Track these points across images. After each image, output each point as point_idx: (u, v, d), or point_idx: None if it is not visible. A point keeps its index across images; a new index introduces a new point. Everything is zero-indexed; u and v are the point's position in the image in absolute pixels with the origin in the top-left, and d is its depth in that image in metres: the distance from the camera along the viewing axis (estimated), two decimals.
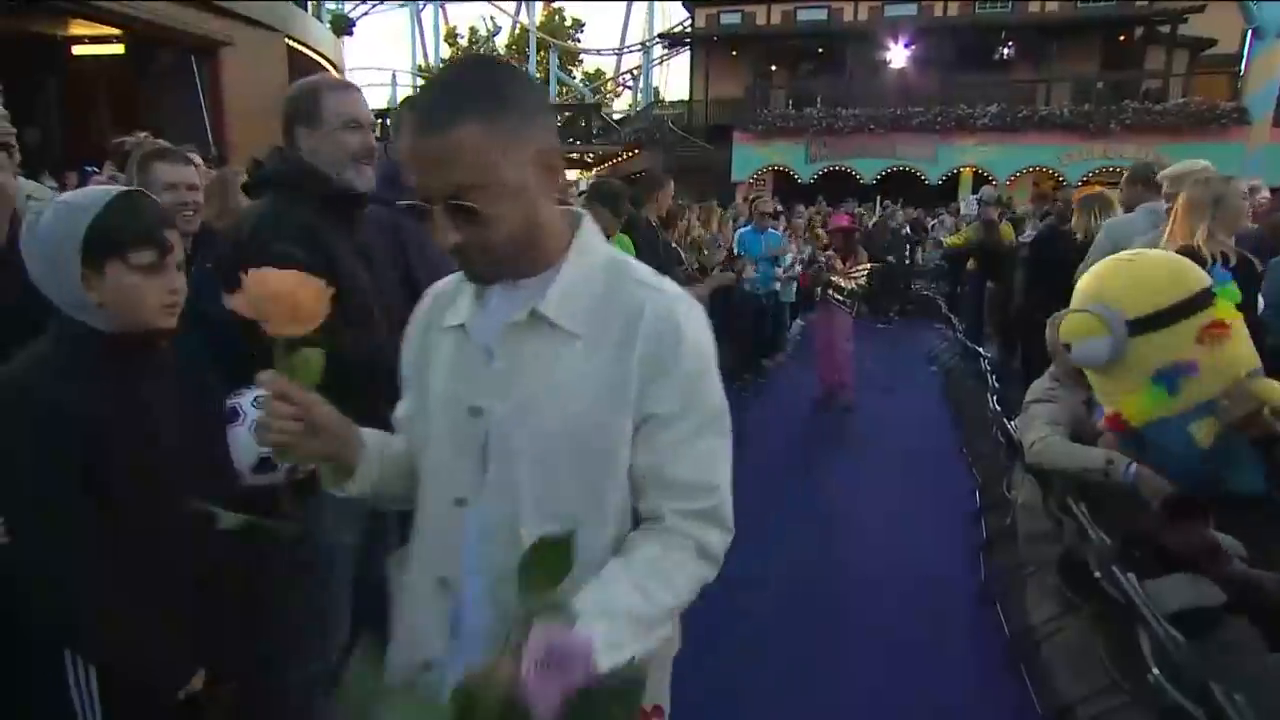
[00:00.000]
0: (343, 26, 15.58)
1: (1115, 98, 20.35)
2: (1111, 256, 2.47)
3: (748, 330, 7.51)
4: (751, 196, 7.19)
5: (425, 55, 33.97)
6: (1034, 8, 21.87)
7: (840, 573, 3.63)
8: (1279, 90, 18.95)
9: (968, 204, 17.76)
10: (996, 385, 3.86)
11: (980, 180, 20.69)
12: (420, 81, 34.41)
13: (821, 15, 23.79)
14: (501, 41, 41.40)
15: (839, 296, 6.06)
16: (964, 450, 5.25)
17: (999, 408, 3.37)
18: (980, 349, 5.70)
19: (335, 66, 14.24)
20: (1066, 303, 2.44)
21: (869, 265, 6.10)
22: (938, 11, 22.79)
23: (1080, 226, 4.37)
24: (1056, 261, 4.69)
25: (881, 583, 3.53)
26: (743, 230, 7.05)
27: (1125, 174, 3.42)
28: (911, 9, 22.83)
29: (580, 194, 5.86)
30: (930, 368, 8.35)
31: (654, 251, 4.44)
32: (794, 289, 8.15)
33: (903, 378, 8.04)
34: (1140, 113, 18.84)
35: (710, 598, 1.03)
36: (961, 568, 3.65)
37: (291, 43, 12.42)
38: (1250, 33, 18.51)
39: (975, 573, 3.55)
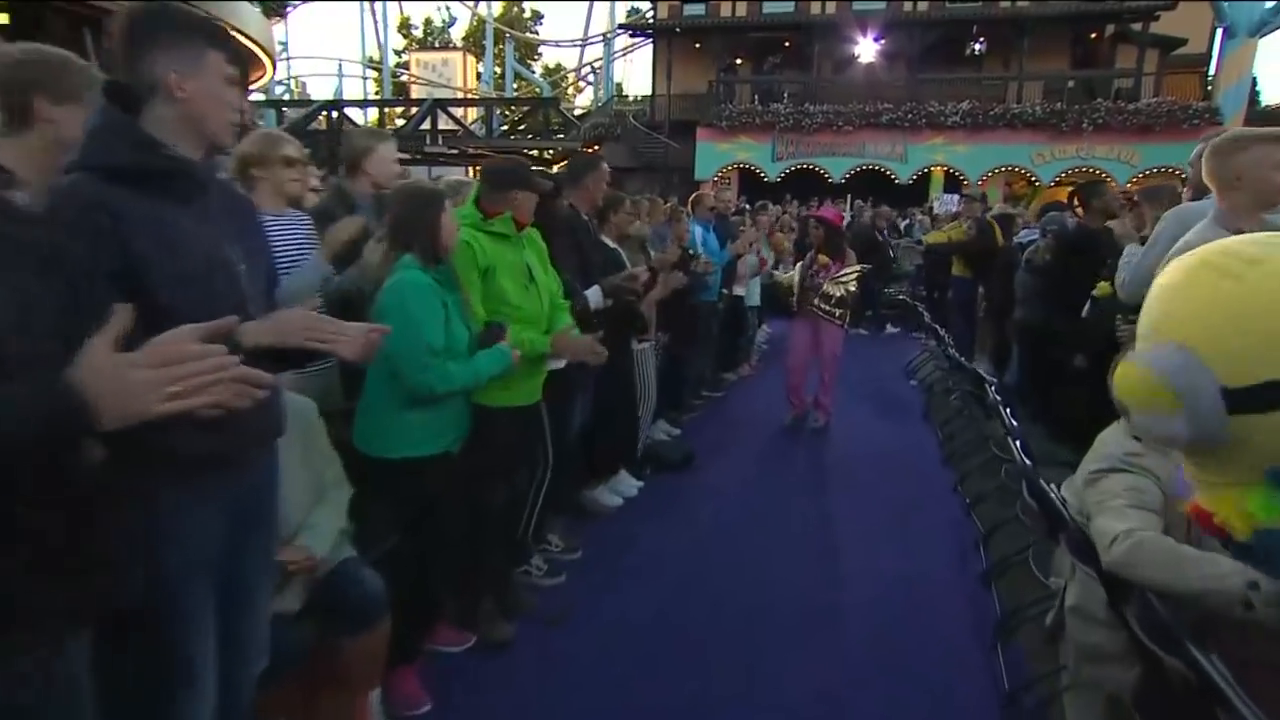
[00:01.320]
0: (273, 6, 14.44)
1: (1086, 96, 20.05)
2: (1196, 257, 1.50)
3: (709, 339, 6.67)
4: (694, 197, 6.29)
5: (380, 46, 32.64)
6: (1004, 3, 21.47)
7: (813, 666, 2.77)
8: (1249, 90, 18.82)
9: (941, 203, 17.29)
10: (1013, 423, 3.03)
11: (951, 180, 20.27)
12: (370, 73, 33.08)
13: (788, 8, 23.13)
14: (457, 33, 40.30)
15: (826, 306, 5.26)
16: (959, 490, 4.44)
17: (1026, 459, 2.52)
18: (977, 368, 4.90)
19: (263, 49, 13.05)
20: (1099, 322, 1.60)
21: (859, 267, 5.28)
22: (907, 6, 22.26)
23: (1134, 227, 3.58)
24: (1087, 271, 3.92)
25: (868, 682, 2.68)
26: (697, 230, 6.20)
27: (1197, 150, 2.66)
28: (880, 4, 22.28)
29: None
30: (910, 382, 7.59)
31: (577, 250, 3.55)
32: (757, 291, 7.33)
33: (880, 393, 7.26)
34: (1113, 112, 18.52)
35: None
36: (969, 660, 2.82)
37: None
38: (1220, 31, 18.28)
39: (991, 673, 2.72)
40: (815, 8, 22.84)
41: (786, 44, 22.06)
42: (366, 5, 31.75)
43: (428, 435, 2.40)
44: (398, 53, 37.67)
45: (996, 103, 19.91)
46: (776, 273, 6.10)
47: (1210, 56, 21.16)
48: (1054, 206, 5.42)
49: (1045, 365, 4.62)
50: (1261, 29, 17.50)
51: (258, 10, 15.52)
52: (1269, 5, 17.32)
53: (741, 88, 22.68)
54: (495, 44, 31.56)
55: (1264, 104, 20.61)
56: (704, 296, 6.07)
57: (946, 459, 5.01)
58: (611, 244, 4.05)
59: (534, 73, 37.03)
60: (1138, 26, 19.78)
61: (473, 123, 24.98)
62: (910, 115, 19.82)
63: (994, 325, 6.02)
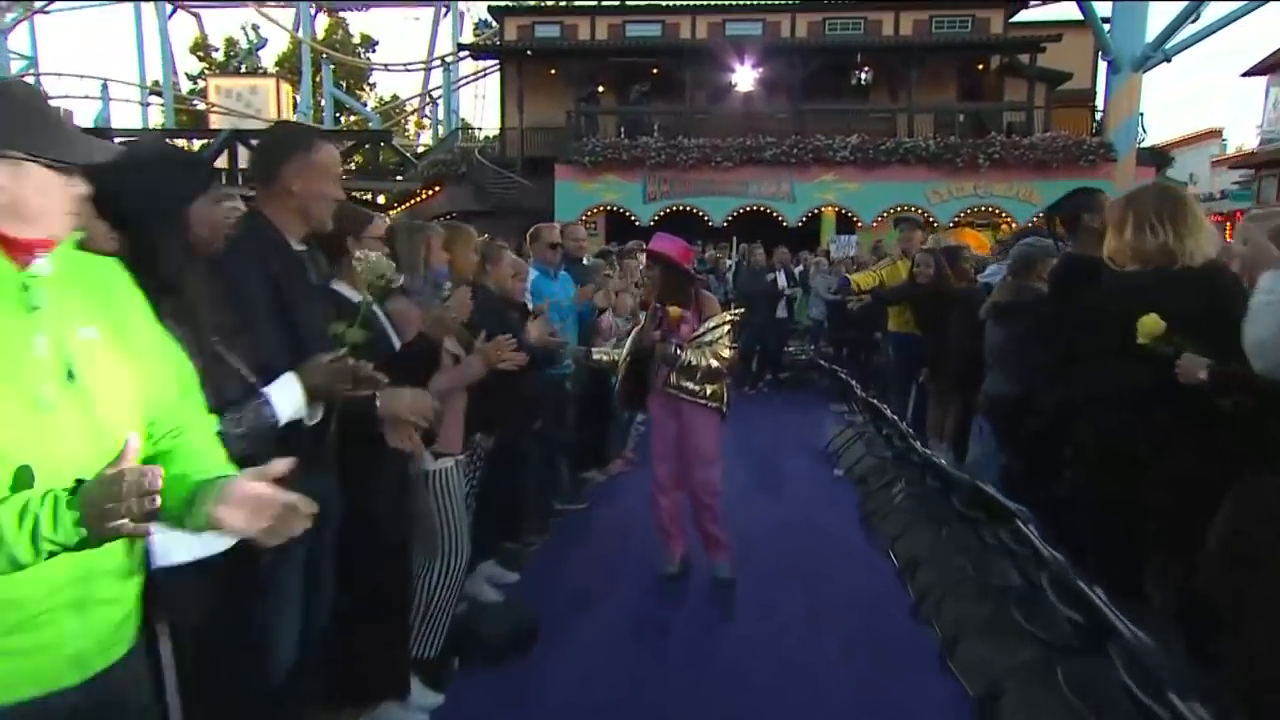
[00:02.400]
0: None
1: (976, 130, 20.75)
2: None
3: (561, 429, 5.24)
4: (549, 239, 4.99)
5: (174, 68, 30.01)
6: (887, 30, 22.13)
7: None
8: (1138, 126, 20.02)
9: (838, 245, 16.96)
10: (1054, 555, 1.77)
11: (844, 221, 20.26)
12: (153, 99, 30.31)
13: (654, 30, 22.91)
14: (270, 57, 38.04)
15: (690, 385, 3.91)
16: (944, 658, 3.15)
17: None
18: (939, 458, 3.71)
19: None
20: None
21: (728, 317, 3.94)
22: (784, 30, 22.57)
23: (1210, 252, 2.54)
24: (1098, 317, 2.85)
25: None
26: (533, 275, 4.86)
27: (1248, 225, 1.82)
28: (755, 27, 22.48)
29: None
30: (834, 470, 6.43)
31: (272, 300, 2.07)
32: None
33: (794, 489, 6.03)
34: (1008, 147, 19.10)
35: None
36: None
37: None
38: (1105, 66, 19.39)
39: None
40: (685, 30, 22.75)
41: (655, 70, 21.70)
42: (146, 16, 29.07)
43: None
44: (191, 77, 34.94)
45: (887, 136, 20.21)
46: (602, 350, 4.71)
47: (1095, 91, 22.62)
48: (1032, 233, 4.47)
49: (1043, 453, 3.51)
50: (1144, 64, 18.68)
51: None
52: (1150, 40, 18.56)
53: (605, 119, 22.09)
54: (315, 70, 29.76)
55: (1146, 141, 22.05)
56: (552, 371, 4.65)
57: (917, 604, 3.72)
58: (351, 293, 2.55)
59: (365, 105, 35.30)
60: (1025, 59, 20.74)
61: None
62: (796, 150, 19.75)
63: (953, 396, 4.94)
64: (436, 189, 22.75)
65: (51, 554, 1.16)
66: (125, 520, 1.12)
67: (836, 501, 5.64)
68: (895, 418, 4.81)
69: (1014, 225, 18.95)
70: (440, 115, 30.61)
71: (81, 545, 1.16)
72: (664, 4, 23.63)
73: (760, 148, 19.72)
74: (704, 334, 3.88)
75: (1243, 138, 25.71)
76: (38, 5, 26.58)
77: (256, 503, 1.30)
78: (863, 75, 20.74)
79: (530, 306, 4.65)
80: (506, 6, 24.40)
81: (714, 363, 3.85)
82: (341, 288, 2.54)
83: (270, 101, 30.01)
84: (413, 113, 35.50)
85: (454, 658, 3.21)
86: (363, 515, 2.42)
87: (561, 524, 5.16)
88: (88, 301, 1.33)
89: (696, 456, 3.99)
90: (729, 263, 12.91)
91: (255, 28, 34.30)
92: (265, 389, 1.83)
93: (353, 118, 34.37)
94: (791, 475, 6.42)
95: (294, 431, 1.89)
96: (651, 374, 4.04)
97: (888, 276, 6.14)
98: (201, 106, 28.67)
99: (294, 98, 30.36)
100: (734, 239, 17.55)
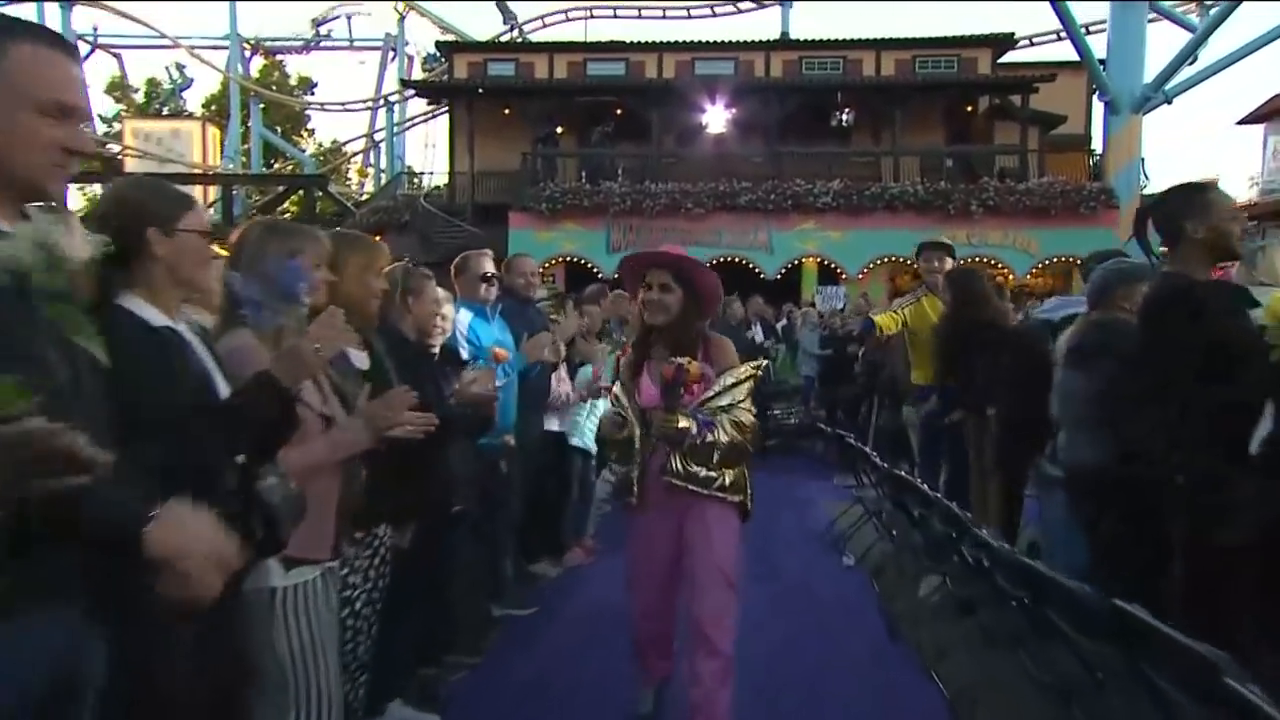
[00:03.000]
0: None
1: (966, 175, 20.68)
2: None
3: (502, 514, 4.39)
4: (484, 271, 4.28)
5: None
6: (867, 69, 22.18)
7: None
8: (1139, 171, 20.06)
9: (824, 297, 16.49)
10: None
11: (826, 273, 19.88)
12: None
13: (618, 68, 22.76)
14: (196, 98, 37.48)
15: (702, 474, 2.90)
16: None
17: None
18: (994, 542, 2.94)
19: None
20: None
21: (751, 368, 3.06)
22: (758, 69, 22.53)
23: None
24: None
25: None
26: (468, 316, 4.11)
27: None
28: (727, 66, 22.42)
29: None
30: (844, 559, 5.64)
31: None
32: (590, 426, 5.23)
33: (796, 583, 5.22)
34: (1003, 193, 18.95)
35: None
36: None
37: None
38: (1103, 107, 19.48)
39: None
40: (650, 68, 22.63)
41: (618, 110, 21.44)
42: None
43: None
44: (106, 120, 34.15)
45: (871, 181, 20.03)
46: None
47: (1090, 136, 22.79)
48: (1106, 255, 3.79)
49: (1148, 541, 2.77)
50: (1144, 105, 18.78)
51: None
52: (1148, 81, 18.70)
53: (565, 162, 21.72)
54: (247, 113, 29.24)
55: (1149, 187, 22.13)
56: (485, 442, 3.84)
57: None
58: (154, 314, 1.76)
59: (303, 151, 34.75)
60: (1016, 100, 20.84)
61: (209, 205, 22.36)
62: (774, 196, 19.45)
63: (998, 464, 4.18)
64: (377, 239, 22.08)
65: None
66: None
67: (851, 603, 4.84)
68: (933, 493, 4.04)
69: (1012, 277, 18.72)
70: (383, 160, 30.08)
71: None
72: (628, 41, 23.59)
73: (734, 193, 19.36)
74: (719, 394, 2.91)
75: (1239, 186, 26.02)
76: None
77: None
78: (844, 116, 20.62)
79: (466, 357, 3.88)
80: (456, 43, 24.18)
81: (735, 435, 2.88)
82: (135, 304, 1.75)
83: (195, 145, 29.35)
84: (354, 156, 34.93)
85: None
86: (141, 674, 1.58)
87: (500, 637, 4.28)
88: None
89: (708, 575, 2.91)
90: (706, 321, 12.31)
91: (180, 68, 33.73)
92: None
93: (289, 165, 33.77)
94: (791, 568, 5.59)
95: None
96: (635, 458, 3.01)
97: (912, 318, 5.43)
98: (116, 150, 27.86)
99: (221, 141, 29.70)
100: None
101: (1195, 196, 2.83)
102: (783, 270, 19.76)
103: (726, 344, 3.08)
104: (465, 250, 4.47)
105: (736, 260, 19.51)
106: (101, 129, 31.58)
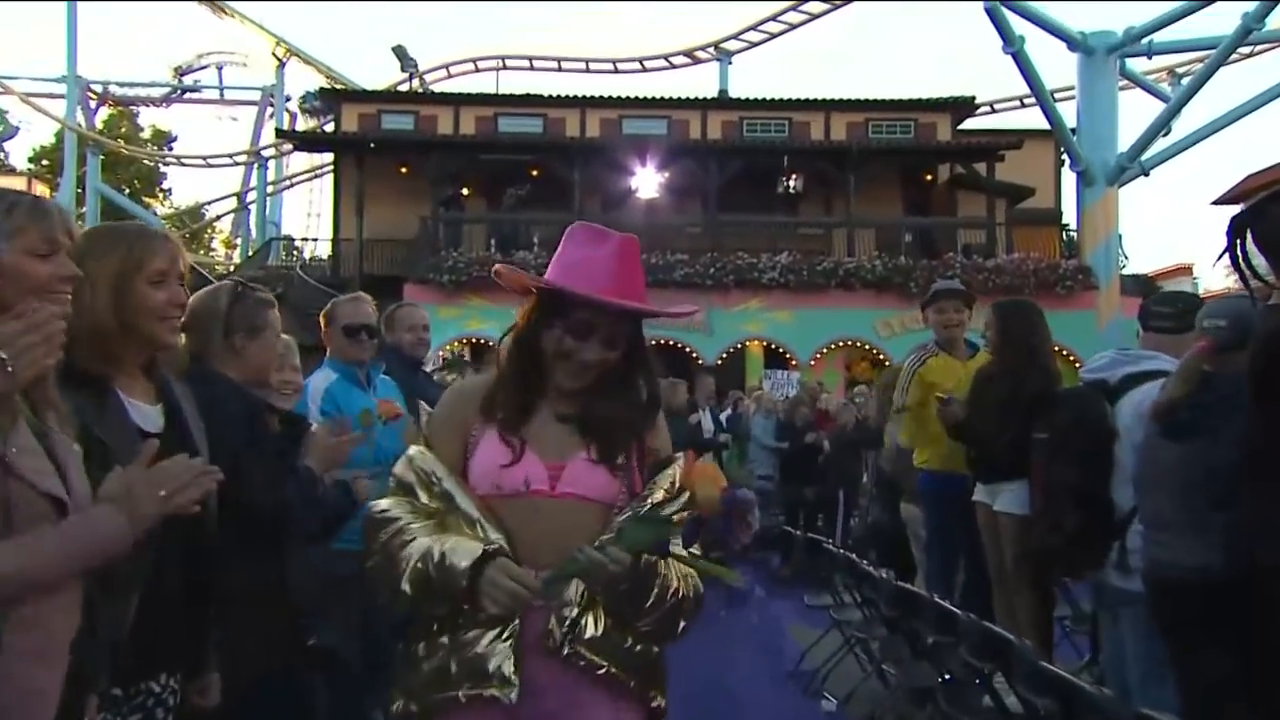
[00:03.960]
0: None
1: (926, 250, 21.01)
2: None
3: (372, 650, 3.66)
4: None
5: None
6: (815, 133, 22.63)
7: None
8: (1119, 249, 20.67)
9: (774, 383, 16.21)
10: None
11: (774, 357, 19.77)
12: None
13: (534, 125, 22.77)
14: (21, 151, 36.34)
15: (604, 642, 1.89)
16: None
17: None
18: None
19: None
20: None
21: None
22: (693, 130, 22.79)
23: None
24: None
25: None
26: (325, 378, 3.57)
27: None
28: (659, 125, 22.64)
29: None
30: (821, 705, 5.02)
31: None
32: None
33: None
34: (970, 270, 19.21)
35: None
36: None
37: None
38: (1075, 179, 20.12)
39: None
40: (572, 126, 22.70)
41: (534, 171, 21.36)
42: None
43: None
44: None
45: (821, 255, 20.20)
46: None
47: (1061, 209, 23.53)
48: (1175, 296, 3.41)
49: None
50: (1120, 177, 19.45)
51: None
52: (1123, 151, 19.41)
53: (472, 229, 21.49)
54: (81, 166, 28.32)
55: (1127, 266, 22.86)
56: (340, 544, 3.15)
57: None
58: None
59: (154, 212, 33.69)
60: (980, 169, 21.42)
61: None
62: (713, 270, 19.44)
63: (1038, 572, 3.67)
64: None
65: None
66: None
67: None
68: (959, 609, 3.46)
69: None
70: (253, 225, 29.28)
71: None
72: (546, 95, 23.70)
73: (668, 266, 19.26)
74: (657, 503, 1.97)
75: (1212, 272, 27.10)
76: None
77: None
78: (791, 183, 20.91)
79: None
80: (344, 90, 23.90)
81: (680, 585, 1.93)
82: None
83: None
84: (216, 219, 34.01)
85: None
86: None
87: None
88: None
89: None
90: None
91: (3, 114, 32.57)
92: None
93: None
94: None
95: None
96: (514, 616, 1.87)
97: (920, 387, 4.92)
98: None
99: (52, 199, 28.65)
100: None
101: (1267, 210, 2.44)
102: (724, 355, 19.63)
103: (663, 426, 2.18)
104: None
105: (671, 343, 19.25)
106: None
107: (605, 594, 1.84)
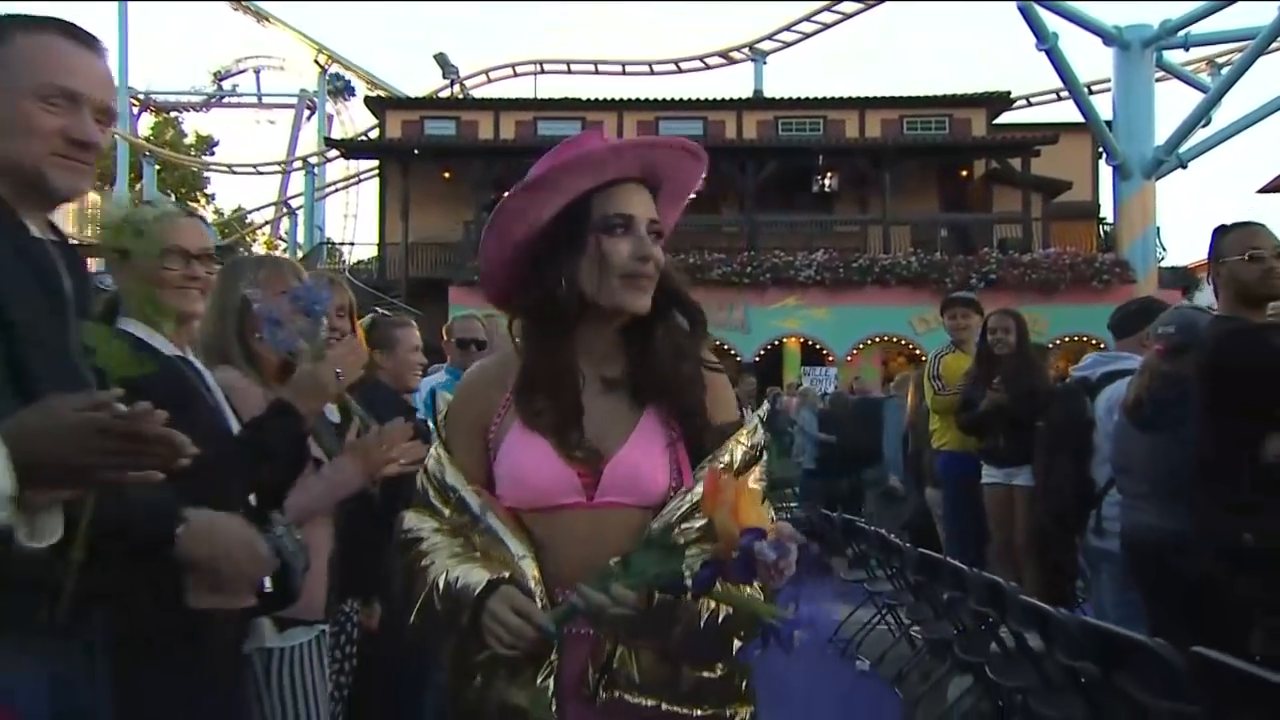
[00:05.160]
0: None
1: (961, 246, 21.42)
2: None
3: None
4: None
5: None
6: (850, 131, 23.15)
7: None
8: (1155, 241, 20.98)
9: (812, 378, 16.81)
10: None
11: (811, 353, 20.29)
12: None
13: (572, 129, 23.44)
14: None
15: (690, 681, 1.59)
16: None
17: None
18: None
19: None
20: None
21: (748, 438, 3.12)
22: (729, 130, 23.40)
23: None
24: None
25: None
26: (436, 377, 4.38)
27: None
28: (694, 125, 23.27)
29: None
30: (856, 662, 5.74)
31: None
32: None
33: (803, 708, 5.28)
34: (1006, 265, 19.62)
35: None
36: None
37: None
38: (1111, 172, 20.47)
39: None
40: (610, 128, 23.35)
41: None
42: None
43: None
44: None
45: (858, 252, 20.65)
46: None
47: (1099, 203, 23.85)
48: (1153, 304, 4.13)
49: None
50: (1157, 170, 19.77)
51: None
52: (1160, 144, 19.71)
53: None
54: (136, 175, 29.51)
55: (1166, 259, 23.07)
56: None
57: None
58: (165, 346, 1.96)
59: (200, 217, 34.88)
60: (1016, 164, 21.81)
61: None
62: (750, 269, 19.94)
63: (1050, 538, 4.37)
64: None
65: None
66: None
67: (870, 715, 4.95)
68: (969, 568, 4.17)
69: None
70: (300, 231, 30.35)
71: None
72: (584, 98, 24.40)
73: (706, 266, 19.83)
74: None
75: None
76: None
77: None
78: (826, 181, 21.42)
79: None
80: (388, 98, 24.80)
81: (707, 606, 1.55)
82: (139, 329, 1.91)
83: (70, 214, 29.36)
84: (263, 225, 35.15)
85: None
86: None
87: None
88: None
89: None
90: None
91: None
92: None
93: None
94: (797, 681, 5.65)
95: None
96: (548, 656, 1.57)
97: (945, 373, 5.71)
98: None
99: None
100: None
101: (1218, 238, 3.18)
102: (761, 352, 20.14)
103: (724, 384, 1.76)
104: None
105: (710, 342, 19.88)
106: None
107: (619, 636, 1.53)
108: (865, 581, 6.47)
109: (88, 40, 1.54)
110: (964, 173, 23.33)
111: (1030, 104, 27.04)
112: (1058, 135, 21.56)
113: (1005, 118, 25.18)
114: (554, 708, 1.52)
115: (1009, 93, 24.86)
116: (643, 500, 1.57)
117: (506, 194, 1.60)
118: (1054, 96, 26.34)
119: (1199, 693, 2.25)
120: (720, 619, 1.53)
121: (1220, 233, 3.22)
